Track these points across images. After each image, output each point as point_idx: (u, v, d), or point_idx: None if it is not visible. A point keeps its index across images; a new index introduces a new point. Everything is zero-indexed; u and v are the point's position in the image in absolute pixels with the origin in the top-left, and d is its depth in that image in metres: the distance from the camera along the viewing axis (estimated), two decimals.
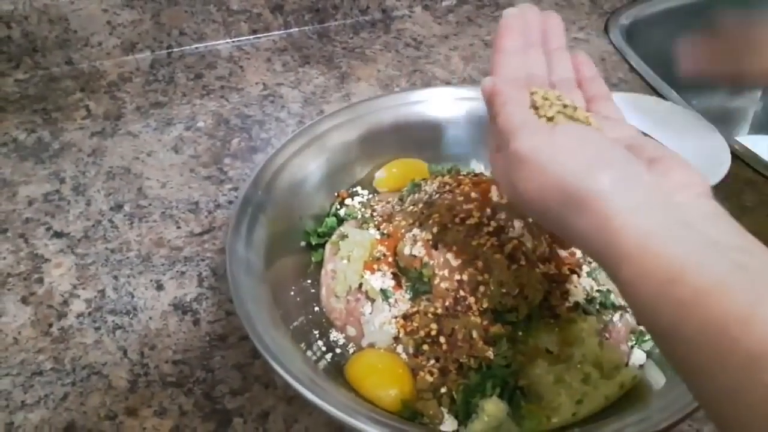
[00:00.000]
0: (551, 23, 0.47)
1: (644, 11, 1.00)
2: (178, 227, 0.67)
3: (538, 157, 0.36)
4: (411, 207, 0.57)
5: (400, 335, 0.52)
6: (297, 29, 0.94)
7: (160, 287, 0.62)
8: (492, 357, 0.49)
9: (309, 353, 0.52)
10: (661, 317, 0.30)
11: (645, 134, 0.44)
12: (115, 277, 0.62)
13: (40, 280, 0.62)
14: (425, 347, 0.51)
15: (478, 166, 0.67)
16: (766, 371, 0.27)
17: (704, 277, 0.29)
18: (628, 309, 0.54)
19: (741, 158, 0.74)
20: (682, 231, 0.32)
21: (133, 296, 0.61)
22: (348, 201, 0.64)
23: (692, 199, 0.34)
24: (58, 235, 0.66)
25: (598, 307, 0.52)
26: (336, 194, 0.65)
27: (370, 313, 0.53)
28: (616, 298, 0.54)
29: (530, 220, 0.53)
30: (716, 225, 0.32)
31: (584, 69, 0.46)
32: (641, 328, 0.54)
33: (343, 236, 0.57)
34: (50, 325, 0.59)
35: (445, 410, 0.49)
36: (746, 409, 0.27)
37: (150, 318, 0.59)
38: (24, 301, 0.60)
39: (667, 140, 0.58)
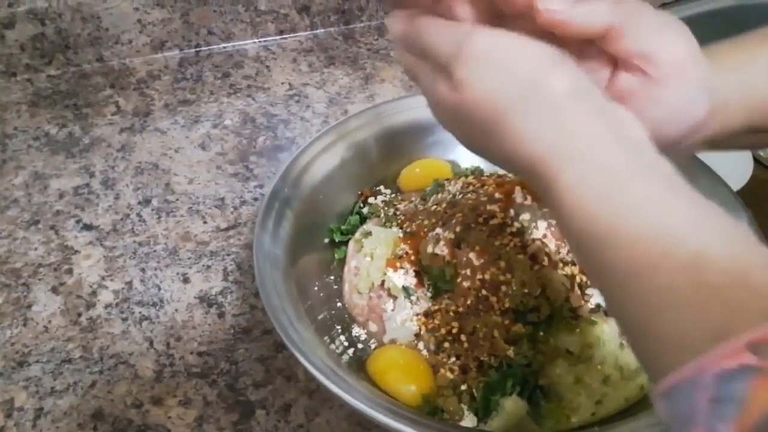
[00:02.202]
0: None
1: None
2: (205, 222, 0.68)
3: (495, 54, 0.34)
4: (434, 206, 0.58)
5: (422, 332, 0.53)
6: (323, 30, 0.95)
7: (186, 280, 0.63)
8: (512, 356, 0.50)
9: (332, 347, 0.53)
10: (599, 220, 0.30)
11: None
12: (143, 270, 0.64)
13: (70, 271, 0.64)
14: (446, 345, 0.51)
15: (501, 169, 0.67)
16: (706, 270, 0.27)
17: (651, 183, 0.31)
18: None
19: (764, 164, 0.73)
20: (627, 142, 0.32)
21: (159, 288, 0.62)
22: (371, 200, 0.65)
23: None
24: (88, 227, 0.68)
25: None
26: (359, 193, 0.66)
27: (392, 310, 0.54)
28: None
29: (553, 222, 0.53)
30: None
31: None
32: None
33: (367, 234, 0.58)
34: (79, 315, 0.60)
35: (465, 407, 0.49)
36: (679, 309, 0.27)
37: (176, 310, 0.60)
38: (54, 290, 0.62)
39: None
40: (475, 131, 0.35)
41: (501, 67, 0.34)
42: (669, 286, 0.28)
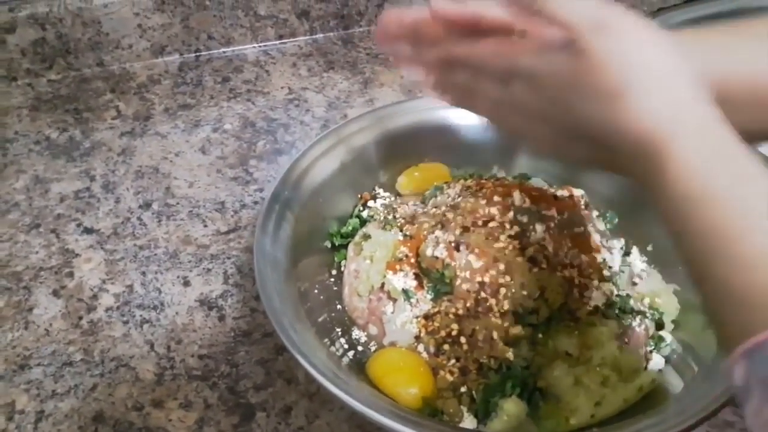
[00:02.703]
0: None
1: (669, 21, 1.00)
2: (205, 226, 0.68)
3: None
4: (434, 209, 0.58)
5: (421, 335, 0.53)
6: (322, 35, 0.95)
7: (186, 283, 0.63)
8: (512, 358, 0.50)
9: (332, 349, 0.53)
10: (709, 185, 0.33)
11: None
12: (143, 273, 0.64)
13: (71, 275, 0.64)
14: (446, 347, 0.52)
15: (500, 172, 0.68)
16: None
17: (753, 160, 0.34)
18: (648, 314, 0.55)
19: None
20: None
21: (160, 292, 0.62)
22: (371, 203, 0.65)
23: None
24: (89, 231, 0.68)
25: (617, 311, 0.53)
26: (359, 196, 0.66)
27: (392, 313, 0.54)
28: (635, 303, 0.54)
29: (552, 224, 0.53)
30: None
31: None
32: (660, 333, 0.54)
33: (367, 237, 0.58)
34: (80, 318, 0.60)
35: (464, 409, 0.50)
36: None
37: (176, 313, 0.61)
38: (55, 294, 0.62)
39: None
40: (585, 102, 0.37)
41: (636, 47, 0.36)
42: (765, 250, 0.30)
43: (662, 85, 0.35)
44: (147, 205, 0.71)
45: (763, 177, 0.33)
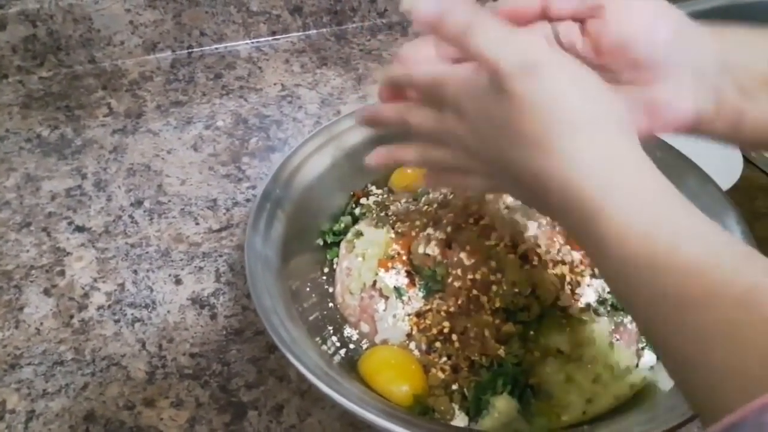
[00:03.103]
0: None
1: None
2: (197, 224, 0.68)
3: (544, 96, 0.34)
4: (426, 207, 0.58)
5: (413, 332, 0.53)
6: (315, 31, 0.95)
7: (178, 282, 0.63)
8: (503, 355, 0.50)
9: (324, 348, 0.53)
10: (652, 249, 0.30)
11: None
12: (135, 272, 0.64)
13: (62, 273, 0.64)
14: (438, 344, 0.52)
15: None
16: (762, 305, 0.26)
17: (695, 216, 0.31)
18: None
19: (754, 163, 0.74)
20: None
21: (151, 290, 0.62)
22: (363, 200, 0.65)
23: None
24: (80, 229, 0.68)
25: (609, 308, 0.53)
26: (351, 194, 0.66)
27: (384, 311, 0.54)
28: None
29: (543, 221, 0.53)
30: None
31: None
32: None
33: (359, 234, 0.58)
34: (71, 317, 0.60)
35: (456, 406, 0.50)
36: (737, 344, 0.26)
37: (168, 311, 0.60)
38: (46, 292, 0.62)
39: (679, 144, 0.58)
40: (512, 145, 0.35)
41: (563, 91, 0.34)
42: (726, 320, 0.27)
43: (590, 133, 0.33)
44: (139, 203, 0.70)
45: (706, 229, 0.31)
